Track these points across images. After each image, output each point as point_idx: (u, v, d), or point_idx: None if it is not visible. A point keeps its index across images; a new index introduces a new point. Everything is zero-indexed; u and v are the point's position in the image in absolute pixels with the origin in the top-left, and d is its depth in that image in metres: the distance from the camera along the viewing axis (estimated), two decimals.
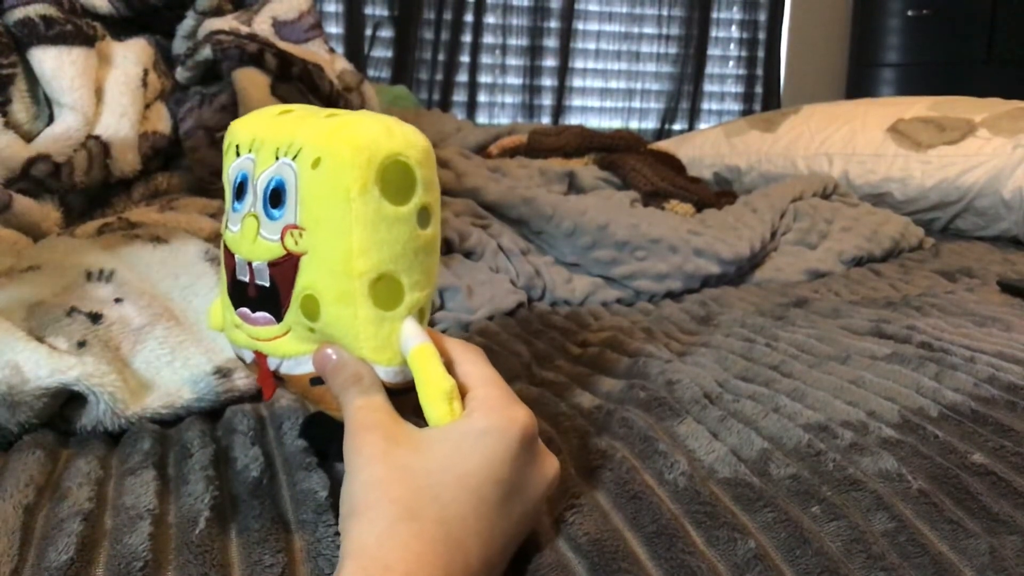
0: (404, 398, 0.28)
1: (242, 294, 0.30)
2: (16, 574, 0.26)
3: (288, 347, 0.30)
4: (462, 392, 0.28)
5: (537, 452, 0.28)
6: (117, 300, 0.42)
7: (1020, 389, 0.41)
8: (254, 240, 0.29)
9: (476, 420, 0.26)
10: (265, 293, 0.29)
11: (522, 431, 0.27)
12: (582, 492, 0.31)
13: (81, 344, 0.38)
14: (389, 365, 0.28)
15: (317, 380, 0.29)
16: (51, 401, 0.36)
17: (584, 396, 0.41)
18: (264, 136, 0.29)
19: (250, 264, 0.29)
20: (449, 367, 0.28)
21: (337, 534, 0.28)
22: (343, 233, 0.27)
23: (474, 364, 0.29)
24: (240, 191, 0.30)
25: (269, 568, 0.27)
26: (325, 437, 0.34)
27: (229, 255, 0.30)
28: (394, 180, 0.28)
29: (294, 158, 0.28)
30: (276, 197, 0.28)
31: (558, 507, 0.30)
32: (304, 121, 0.29)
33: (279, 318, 0.29)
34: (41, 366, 0.35)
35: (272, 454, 0.35)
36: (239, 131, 0.31)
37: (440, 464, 0.25)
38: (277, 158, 0.28)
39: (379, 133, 0.28)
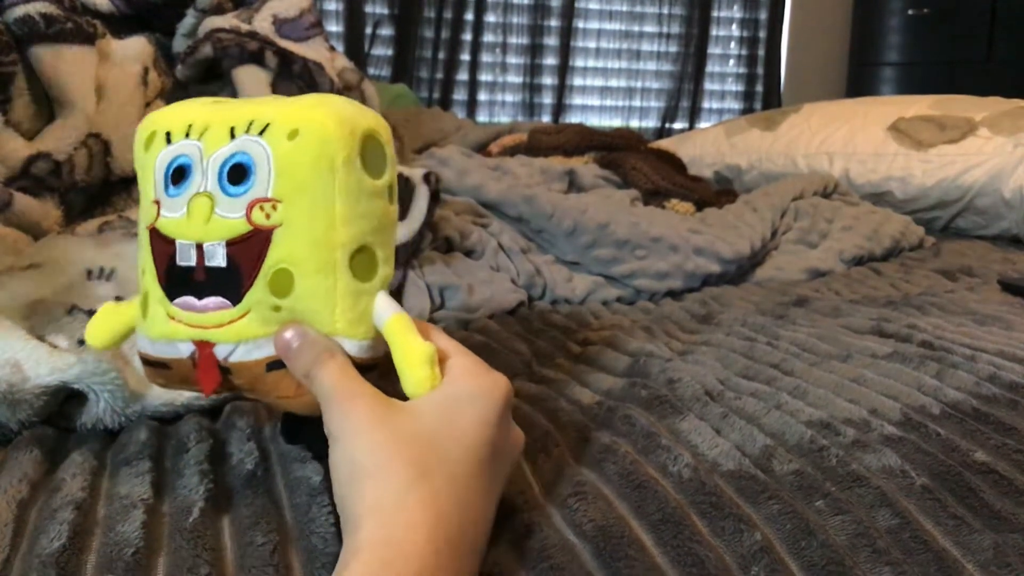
0: (370, 375, 0.28)
1: (184, 281, 0.29)
2: (8, 563, 0.26)
3: (246, 330, 0.28)
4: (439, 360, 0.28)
5: (510, 417, 0.29)
6: (117, 298, 0.42)
7: (1021, 387, 0.41)
8: (207, 220, 0.28)
9: (463, 385, 0.27)
10: (219, 275, 0.28)
11: (505, 394, 0.28)
12: (586, 482, 0.31)
13: (81, 342, 0.38)
14: (362, 339, 0.28)
15: (274, 365, 0.28)
16: (51, 399, 0.36)
17: (585, 393, 0.41)
18: (206, 120, 0.29)
19: (200, 246, 0.28)
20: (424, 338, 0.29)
21: (331, 512, 0.29)
22: (327, 203, 0.27)
23: (439, 335, 0.30)
24: (178, 176, 0.29)
25: (261, 547, 0.27)
26: (311, 438, 0.34)
27: (165, 242, 0.29)
28: (371, 154, 0.28)
29: (260, 133, 0.28)
30: (237, 174, 0.28)
31: (560, 494, 0.30)
32: (259, 103, 0.29)
33: (236, 300, 0.28)
34: (41, 364, 0.35)
35: (268, 449, 0.35)
36: (165, 120, 0.30)
37: (440, 427, 0.26)
38: (233, 137, 0.28)
39: (354, 110, 0.28)
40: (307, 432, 0.33)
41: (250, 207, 0.28)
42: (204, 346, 0.29)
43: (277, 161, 0.27)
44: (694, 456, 0.33)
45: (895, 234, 0.84)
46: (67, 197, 0.61)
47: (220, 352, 0.29)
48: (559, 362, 0.47)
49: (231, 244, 0.28)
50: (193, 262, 0.28)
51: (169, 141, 0.30)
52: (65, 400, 0.37)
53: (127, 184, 0.64)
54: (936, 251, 0.87)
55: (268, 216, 0.27)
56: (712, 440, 0.35)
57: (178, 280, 0.29)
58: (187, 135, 0.29)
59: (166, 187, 0.29)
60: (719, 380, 0.43)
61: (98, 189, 0.63)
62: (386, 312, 0.28)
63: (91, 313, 0.40)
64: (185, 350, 0.29)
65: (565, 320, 0.57)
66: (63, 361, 0.36)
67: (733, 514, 0.29)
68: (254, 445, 0.34)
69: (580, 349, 0.50)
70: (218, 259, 0.28)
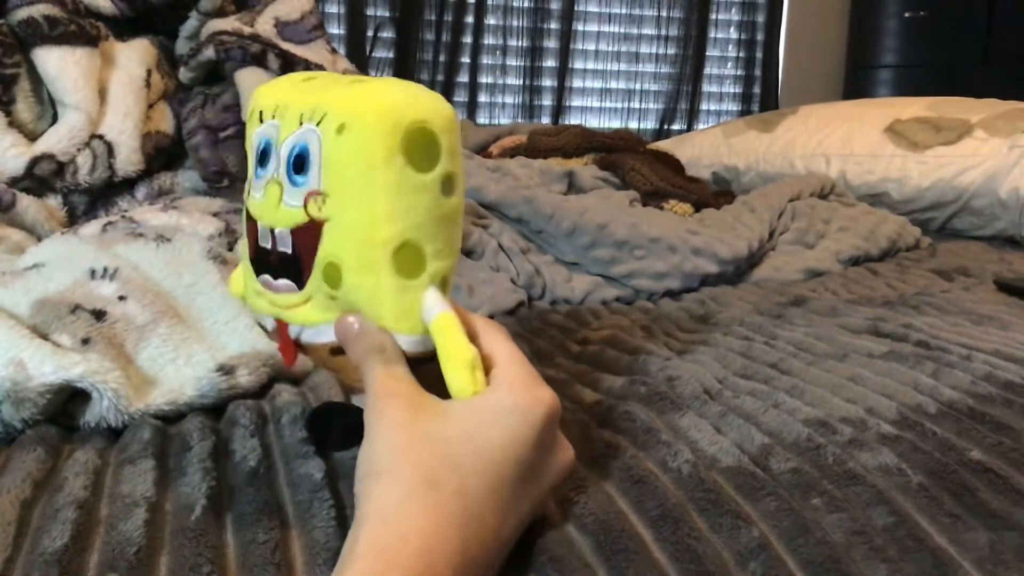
0: (425, 368, 0.28)
1: (264, 261, 0.30)
2: (10, 562, 0.26)
3: (309, 315, 0.29)
4: (486, 366, 0.28)
5: (556, 437, 0.28)
6: (121, 298, 0.42)
7: (1017, 387, 0.41)
8: (277, 206, 0.28)
9: (502, 396, 0.26)
10: (287, 260, 0.29)
11: (547, 412, 0.26)
12: (586, 476, 0.31)
13: (85, 341, 0.38)
14: (411, 334, 0.28)
15: (338, 350, 0.29)
16: (55, 397, 0.36)
17: (585, 392, 0.41)
18: (288, 101, 0.29)
19: (272, 231, 0.29)
20: (472, 340, 0.28)
21: (333, 506, 0.29)
22: (367, 200, 0.27)
23: (498, 339, 0.29)
24: (263, 157, 0.29)
25: (263, 544, 0.27)
26: (327, 426, 0.34)
27: (252, 222, 0.30)
28: (419, 147, 0.27)
29: (318, 123, 0.27)
30: (300, 163, 0.28)
31: (563, 489, 0.30)
32: (328, 87, 0.29)
33: (300, 285, 0.29)
34: (45, 363, 0.35)
35: (271, 445, 0.35)
36: (263, 97, 0.30)
37: (463, 435, 0.25)
38: (301, 123, 0.28)
39: (404, 99, 0.27)
40: (327, 425, 0.34)
41: (307, 198, 0.28)
42: (281, 323, 0.30)
43: (325, 155, 0.27)
44: (693, 452, 0.34)
45: (891, 235, 0.84)
46: (70, 198, 0.61)
47: (292, 331, 0.30)
48: (559, 362, 0.48)
49: (295, 232, 0.28)
50: (269, 245, 0.29)
51: (261, 119, 0.30)
52: (69, 398, 0.37)
53: (130, 185, 0.64)
54: (932, 251, 0.87)
55: (319, 209, 0.27)
56: (711, 437, 0.35)
57: (260, 259, 0.30)
58: (273, 115, 0.29)
59: (255, 167, 0.30)
60: (717, 379, 0.43)
61: (101, 190, 0.63)
62: (433, 310, 0.28)
63: (95, 312, 0.41)
64: (269, 324, 0.31)
65: (564, 320, 0.57)
66: (67, 360, 0.36)
67: (731, 511, 0.29)
68: (257, 442, 0.34)
69: (579, 348, 0.51)
70: (286, 245, 0.28)
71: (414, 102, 0.27)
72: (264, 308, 0.31)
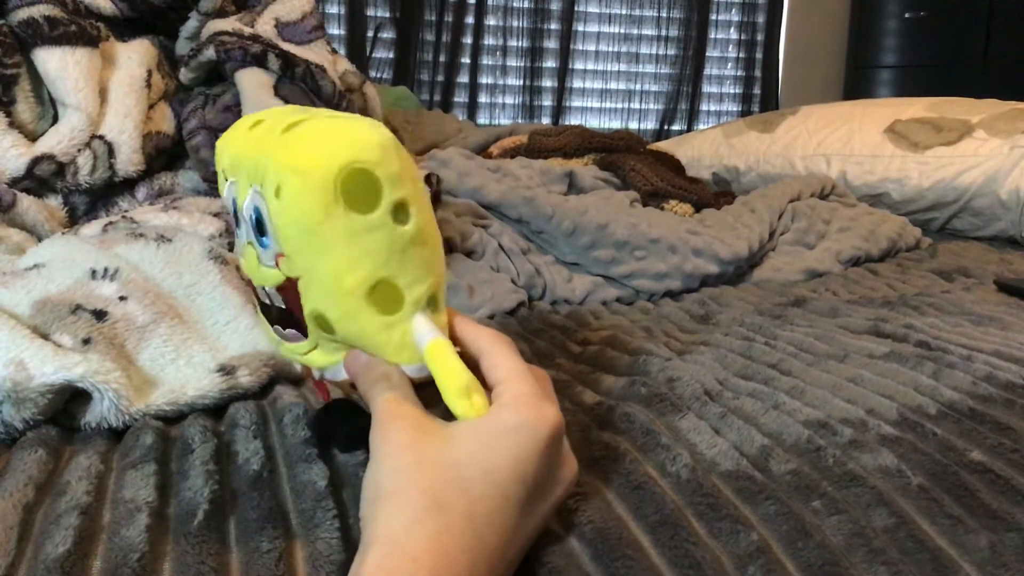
0: (434, 389, 0.28)
1: (268, 314, 0.31)
2: (13, 568, 0.26)
3: (321, 359, 0.30)
4: (491, 384, 0.28)
5: (561, 454, 0.28)
6: (121, 298, 0.42)
7: (1018, 387, 0.41)
8: (257, 267, 0.29)
9: (507, 416, 0.26)
10: (283, 313, 0.30)
11: (552, 430, 0.26)
12: (585, 482, 0.31)
13: (86, 341, 0.38)
14: (412, 363, 0.28)
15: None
16: (56, 398, 0.36)
17: (586, 393, 0.41)
18: (239, 157, 0.29)
19: (264, 288, 0.30)
20: (476, 359, 0.28)
21: (336, 516, 0.29)
22: (322, 256, 0.27)
23: (503, 356, 0.28)
24: (236, 216, 0.30)
25: (267, 554, 0.27)
26: (332, 425, 0.35)
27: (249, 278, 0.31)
28: (357, 189, 0.26)
29: (261, 186, 0.27)
30: (261, 226, 0.28)
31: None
32: (267, 138, 0.28)
33: (305, 335, 0.30)
34: (46, 363, 0.35)
35: (273, 447, 0.35)
36: (221, 154, 0.30)
37: (469, 457, 0.25)
38: (251, 186, 0.28)
39: (330, 145, 0.26)
40: (334, 424, 0.34)
41: (276, 259, 0.28)
42: (304, 367, 0.31)
43: (272, 219, 0.27)
44: (692, 456, 0.34)
45: (892, 235, 0.84)
46: (71, 198, 0.61)
47: (315, 372, 0.31)
48: (559, 362, 0.48)
49: (279, 290, 0.29)
50: (267, 301, 0.30)
51: (226, 177, 0.30)
52: (69, 399, 0.37)
53: (131, 185, 0.64)
54: (933, 252, 0.87)
55: (289, 268, 0.28)
56: (711, 439, 0.35)
57: (265, 312, 0.31)
58: (232, 173, 0.29)
59: (235, 226, 0.31)
60: (718, 380, 0.43)
61: (102, 190, 0.63)
62: (423, 339, 0.28)
63: (95, 312, 0.41)
64: (297, 366, 0.32)
65: (565, 320, 0.57)
66: (68, 360, 0.36)
67: (730, 515, 0.29)
68: (260, 444, 0.34)
69: (580, 349, 0.51)
70: (278, 302, 0.29)
71: (339, 145, 0.26)
72: (286, 354, 0.32)
